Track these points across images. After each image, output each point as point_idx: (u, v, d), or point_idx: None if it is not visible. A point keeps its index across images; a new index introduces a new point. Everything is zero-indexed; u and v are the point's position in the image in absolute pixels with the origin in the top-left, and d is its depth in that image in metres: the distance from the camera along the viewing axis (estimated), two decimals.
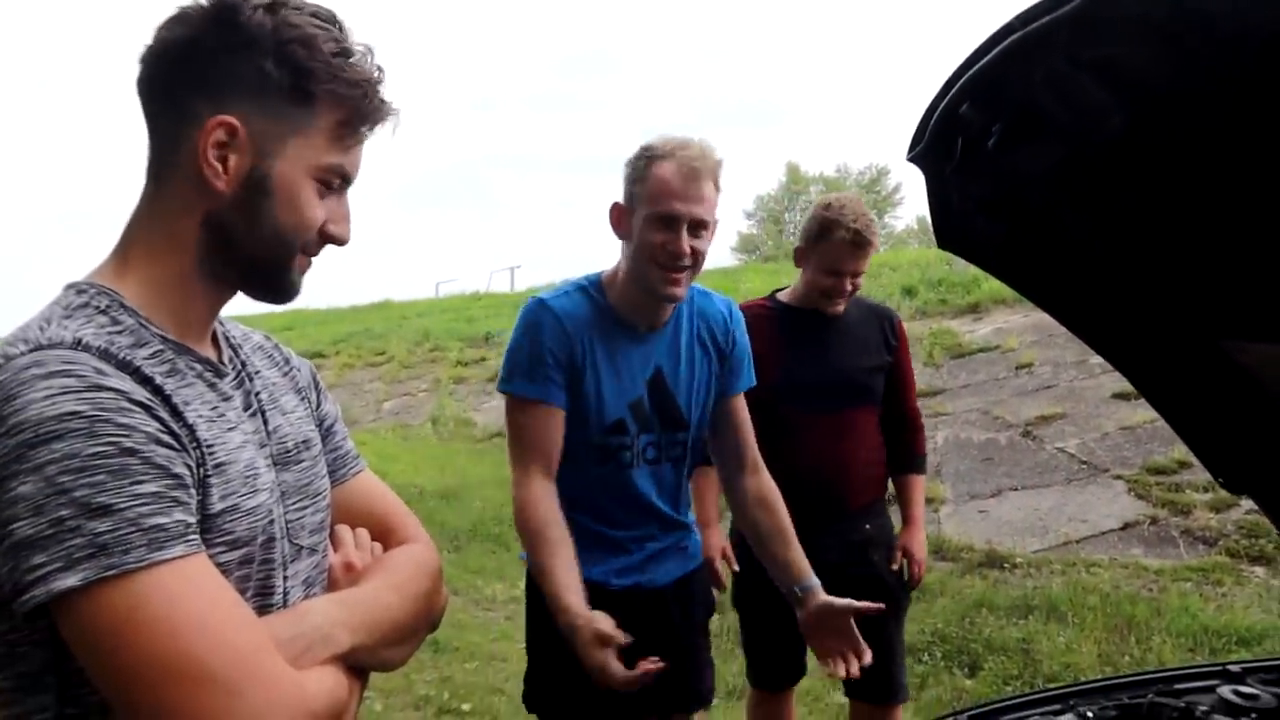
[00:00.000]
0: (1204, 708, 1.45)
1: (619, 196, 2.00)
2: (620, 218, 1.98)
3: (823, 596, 1.99)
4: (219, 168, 0.94)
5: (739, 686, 4.23)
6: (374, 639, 0.98)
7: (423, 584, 1.08)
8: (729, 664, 4.51)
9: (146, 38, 0.96)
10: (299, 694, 0.84)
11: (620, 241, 2.01)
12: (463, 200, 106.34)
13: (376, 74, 0.99)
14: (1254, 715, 1.41)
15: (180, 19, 0.95)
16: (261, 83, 0.94)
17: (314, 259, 1.03)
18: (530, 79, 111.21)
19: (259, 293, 1.03)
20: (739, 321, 2.20)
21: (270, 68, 0.93)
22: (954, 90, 1.13)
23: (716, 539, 2.75)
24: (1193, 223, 1.13)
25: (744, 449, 2.18)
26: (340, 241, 1.03)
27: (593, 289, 2.02)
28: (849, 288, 2.70)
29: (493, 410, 12.38)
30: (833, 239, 2.63)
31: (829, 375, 2.71)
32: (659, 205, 1.90)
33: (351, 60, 0.97)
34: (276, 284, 1.02)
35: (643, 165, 1.93)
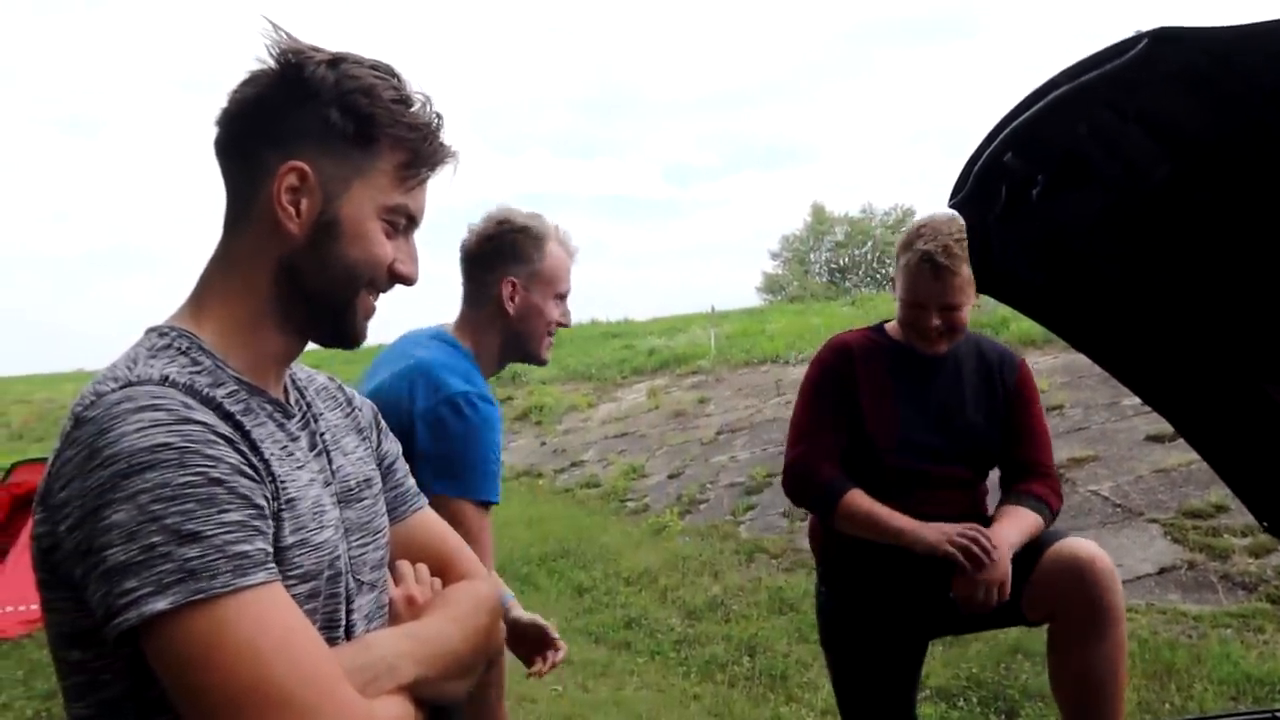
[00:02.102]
0: None
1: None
2: (514, 294, 2.04)
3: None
4: (292, 211, 1.00)
5: None
6: (436, 672, 1.01)
7: (482, 619, 1.11)
8: (760, 708, 4.49)
9: (222, 101, 1.03)
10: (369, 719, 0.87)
11: (492, 312, 2.05)
12: None
13: (435, 120, 1.05)
14: None
15: (251, 80, 1.02)
16: (326, 130, 1.00)
17: (376, 304, 1.08)
18: (553, 122, 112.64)
19: (326, 334, 1.08)
20: None
21: (334, 116, 1.00)
22: (998, 140, 1.16)
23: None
24: (1235, 269, 1.15)
25: None
26: (409, 281, 1.08)
27: (469, 359, 2.02)
28: (936, 322, 2.30)
29: (518, 450, 12.43)
30: (906, 261, 2.31)
31: (920, 427, 2.37)
32: (562, 284, 2.08)
33: (411, 108, 1.03)
34: (342, 325, 1.06)
35: (538, 245, 2.04)
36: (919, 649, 2.52)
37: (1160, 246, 1.18)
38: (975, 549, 2.16)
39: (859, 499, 2.28)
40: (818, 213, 47.76)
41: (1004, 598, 2.18)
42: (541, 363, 2.14)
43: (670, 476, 9.56)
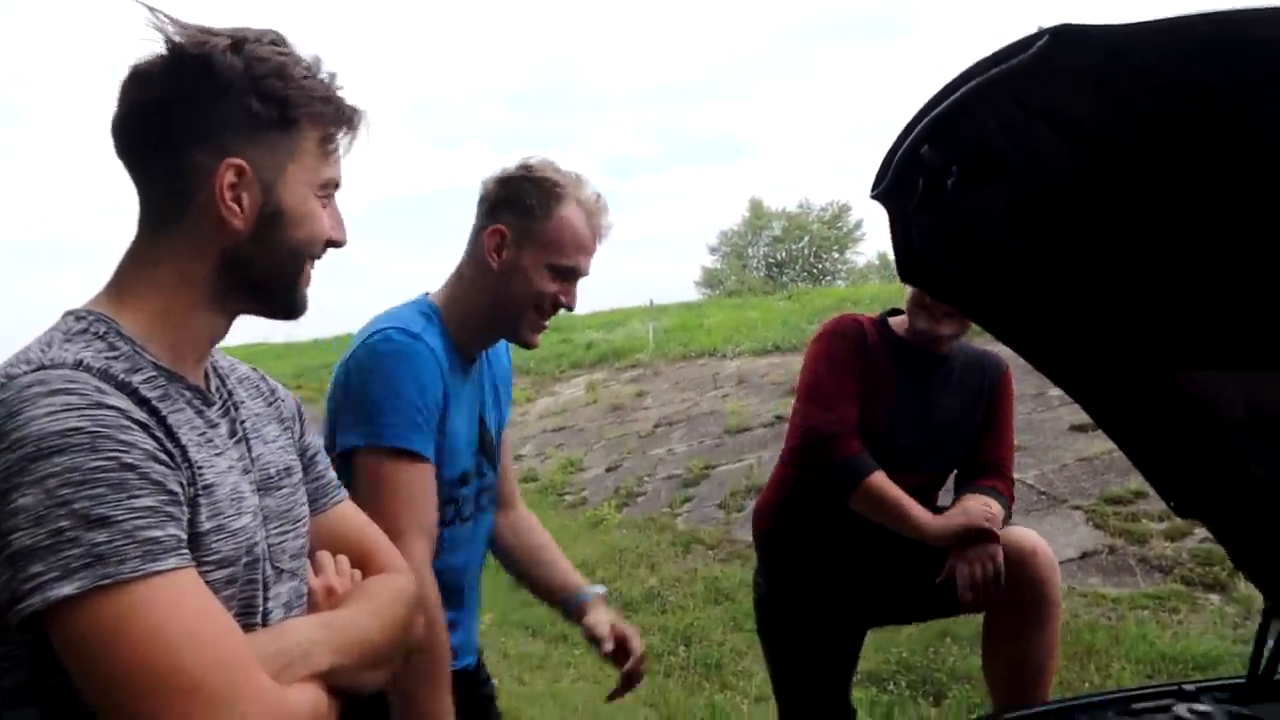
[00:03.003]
0: None
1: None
2: (500, 247, 1.73)
3: (596, 614, 1.90)
4: (236, 208, 1.00)
5: None
6: (352, 661, 1.00)
7: (400, 610, 1.11)
8: (695, 696, 4.53)
9: (114, 105, 1.00)
10: (282, 707, 0.87)
11: (475, 267, 1.77)
12: (424, 234, 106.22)
13: (334, 81, 1.05)
14: None
15: (145, 79, 0.98)
16: (251, 120, 0.99)
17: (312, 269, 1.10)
18: (491, 116, 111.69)
19: (274, 311, 1.10)
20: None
21: (255, 105, 0.99)
22: (916, 132, 1.19)
23: None
24: (1139, 259, 1.20)
25: (509, 487, 2.07)
26: (340, 244, 1.10)
27: (435, 317, 1.74)
28: (943, 325, 2.30)
29: None
30: None
31: (923, 429, 2.38)
32: (562, 255, 1.74)
33: (316, 77, 1.03)
34: (290, 300, 1.09)
35: (546, 201, 1.73)
36: (857, 638, 2.55)
37: (1067, 238, 1.22)
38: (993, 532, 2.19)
39: (885, 483, 2.24)
40: (755, 208, 48.11)
41: (1001, 580, 2.17)
42: (525, 344, 1.81)
43: (608, 469, 9.58)
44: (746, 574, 6.25)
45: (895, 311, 2.50)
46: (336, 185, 1.08)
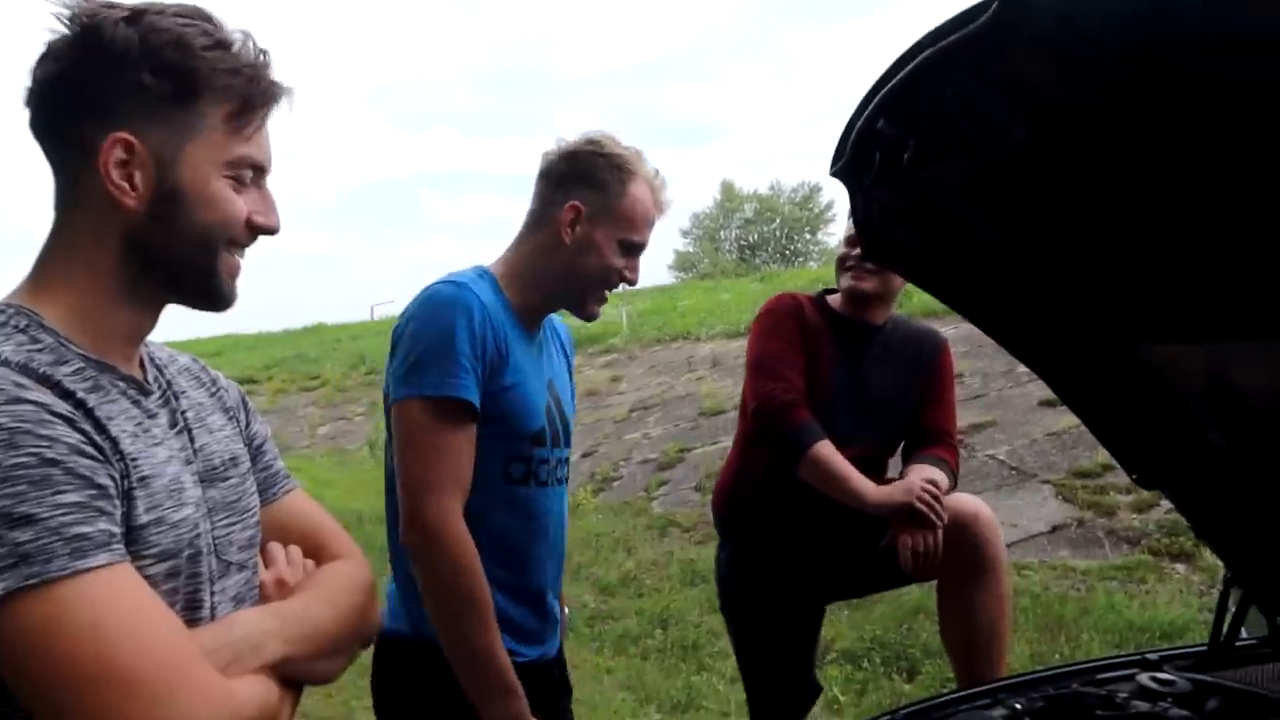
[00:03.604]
0: (1124, 695, 1.51)
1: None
2: (575, 222, 1.74)
3: None
4: (125, 186, 0.95)
5: (683, 701, 4.27)
6: (306, 650, 0.98)
7: (355, 597, 1.09)
8: (672, 679, 4.55)
9: (25, 80, 0.96)
10: (229, 700, 0.85)
11: (546, 239, 1.76)
12: (395, 221, 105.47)
13: (259, 58, 0.99)
14: (1170, 700, 1.47)
15: (48, 55, 0.95)
16: (143, 94, 0.94)
17: (241, 260, 1.03)
18: (460, 101, 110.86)
19: (192, 300, 1.03)
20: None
21: (147, 78, 0.94)
22: (871, 107, 1.18)
23: None
24: (1095, 229, 1.19)
25: None
26: (270, 230, 1.03)
27: (491, 284, 1.73)
28: (865, 282, 2.38)
29: None
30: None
31: (860, 401, 2.43)
32: (634, 232, 1.77)
33: (230, 50, 0.97)
34: (206, 288, 1.01)
35: (620, 178, 1.75)
36: (817, 612, 2.58)
37: (1024, 210, 1.22)
38: (933, 513, 2.22)
39: (829, 452, 2.29)
40: (727, 190, 48.17)
41: (939, 553, 2.22)
42: (588, 316, 1.83)
43: (584, 455, 9.57)
44: None
45: (832, 290, 2.56)
46: (255, 166, 1.01)
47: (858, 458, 2.38)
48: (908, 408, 2.50)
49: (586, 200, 1.74)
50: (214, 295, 1.02)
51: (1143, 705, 1.46)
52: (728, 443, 8.95)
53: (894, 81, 1.11)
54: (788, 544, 2.42)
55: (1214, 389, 1.38)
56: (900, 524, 2.24)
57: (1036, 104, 0.99)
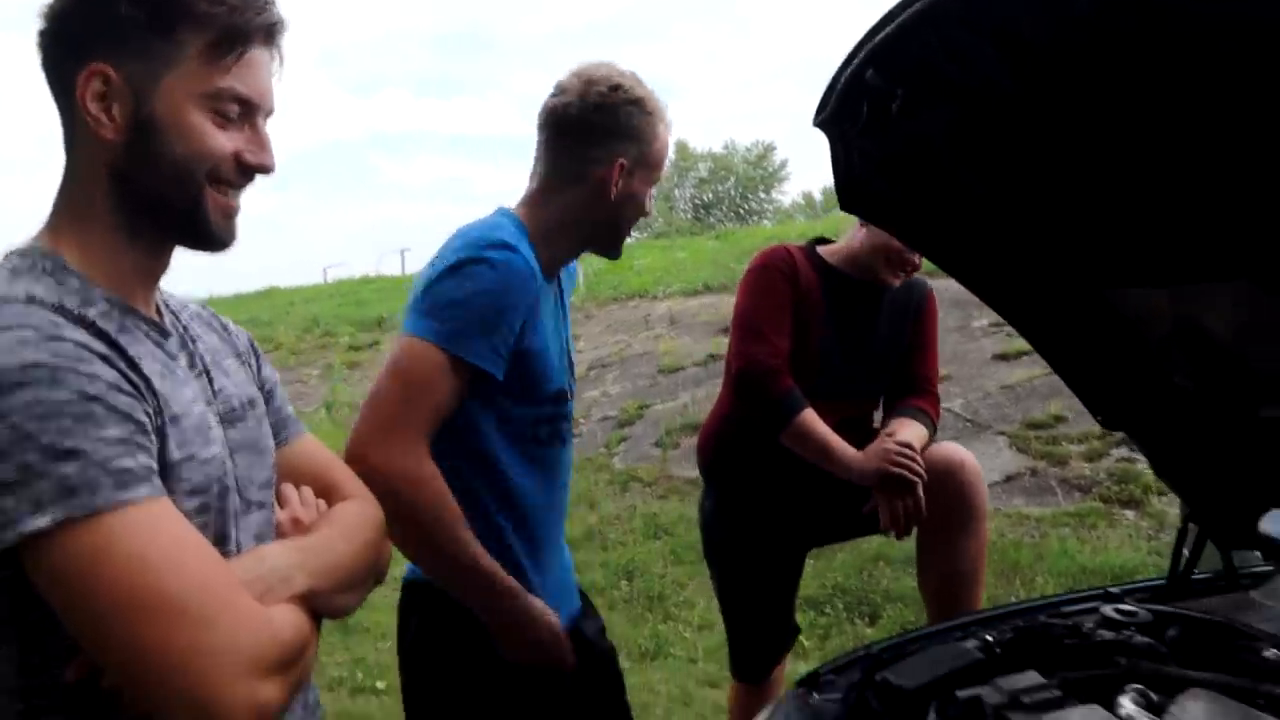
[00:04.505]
0: (1089, 625, 1.59)
1: (604, 157, 1.70)
2: (619, 179, 1.71)
3: None
4: (103, 118, 0.94)
5: (651, 649, 4.35)
6: (328, 584, 1.01)
7: (369, 535, 1.11)
8: (639, 628, 4.63)
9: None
10: (269, 626, 0.88)
11: (583, 192, 1.72)
12: (345, 184, 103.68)
13: None
14: (1132, 629, 1.55)
15: None
16: (119, 25, 0.94)
17: (238, 198, 1.02)
18: (408, 61, 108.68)
19: (183, 239, 1.02)
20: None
21: (124, 8, 0.93)
22: (860, 57, 1.21)
23: None
24: (1072, 177, 1.24)
25: None
26: (264, 169, 1.01)
27: (526, 239, 1.68)
28: (914, 256, 2.33)
29: None
30: None
31: (853, 358, 2.42)
32: (660, 171, 1.78)
33: None
34: (194, 226, 1.00)
35: (651, 124, 1.73)
36: (799, 557, 2.62)
37: (1006, 158, 1.26)
38: (909, 474, 2.23)
39: (814, 421, 2.29)
40: (681, 149, 47.93)
41: (922, 512, 2.25)
42: (618, 256, 1.85)
43: None
44: (685, 509, 6.37)
45: (822, 240, 2.54)
46: (241, 100, 0.98)
47: (848, 417, 2.40)
48: (898, 358, 2.51)
49: (630, 155, 1.71)
50: (204, 234, 1.00)
51: (1107, 634, 1.53)
52: (687, 399, 9.03)
53: (884, 33, 1.14)
54: (771, 491, 2.45)
55: (1180, 333, 1.44)
56: (879, 489, 2.26)
57: (1025, 50, 1.02)
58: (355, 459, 1.47)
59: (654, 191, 1.82)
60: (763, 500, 2.48)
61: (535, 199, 1.75)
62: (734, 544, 2.54)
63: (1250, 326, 1.32)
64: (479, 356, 1.56)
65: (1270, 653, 1.31)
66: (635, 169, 1.72)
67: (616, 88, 1.71)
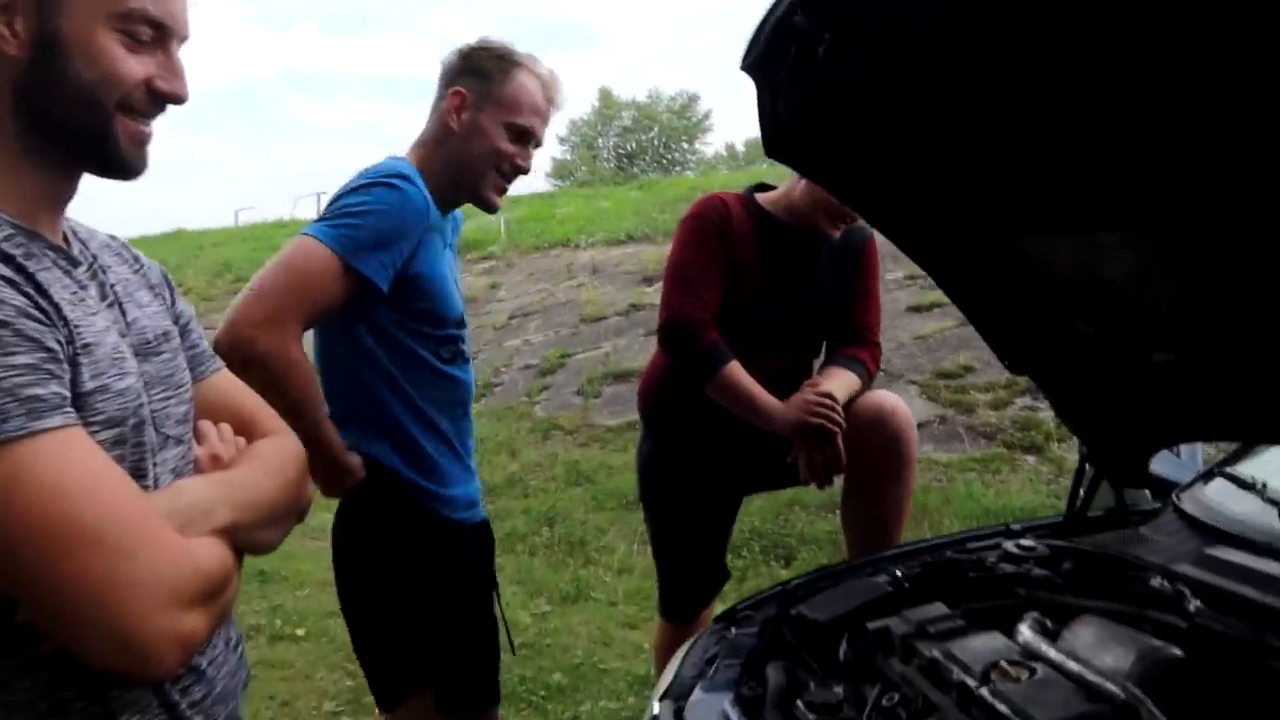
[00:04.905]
0: (992, 559, 1.67)
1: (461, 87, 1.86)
2: (461, 108, 1.85)
3: None
4: (4, 31, 0.90)
5: (571, 593, 4.41)
6: (250, 518, 1.00)
7: (291, 471, 1.10)
8: (560, 573, 4.69)
9: None
10: (190, 558, 0.87)
11: (438, 130, 1.88)
12: (257, 123, 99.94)
13: None
14: (1032, 561, 1.63)
15: None
16: None
17: (150, 125, 0.99)
18: None
19: (91, 165, 0.98)
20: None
21: None
22: (788, 1, 1.21)
23: None
24: (987, 126, 1.27)
25: None
26: (176, 98, 0.98)
27: (417, 178, 1.80)
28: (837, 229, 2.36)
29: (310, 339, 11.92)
30: None
31: (792, 308, 2.41)
32: (520, 117, 1.86)
33: None
34: (103, 151, 0.96)
35: (503, 67, 1.86)
36: (734, 503, 2.65)
37: (923, 104, 1.28)
38: (829, 425, 2.23)
39: (738, 374, 2.28)
40: (605, 97, 47.40)
41: (841, 462, 2.26)
42: (488, 206, 1.93)
43: None
44: (606, 456, 6.43)
45: (762, 187, 2.52)
46: (153, 23, 0.95)
47: (786, 367, 2.41)
48: (839, 307, 2.48)
49: (470, 87, 1.85)
50: (114, 161, 0.97)
51: (1008, 567, 1.62)
52: (609, 348, 9.07)
53: None
54: (707, 439, 2.46)
55: (1082, 280, 1.50)
56: (799, 440, 2.27)
57: None
58: (236, 335, 1.61)
59: (533, 150, 1.93)
60: (699, 447, 2.50)
61: (417, 145, 1.92)
62: (670, 488, 2.56)
63: (1147, 274, 1.38)
64: (368, 267, 1.69)
65: (1157, 582, 1.40)
66: (482, 104, 1.85)
67: (483, 40, 1.91)
